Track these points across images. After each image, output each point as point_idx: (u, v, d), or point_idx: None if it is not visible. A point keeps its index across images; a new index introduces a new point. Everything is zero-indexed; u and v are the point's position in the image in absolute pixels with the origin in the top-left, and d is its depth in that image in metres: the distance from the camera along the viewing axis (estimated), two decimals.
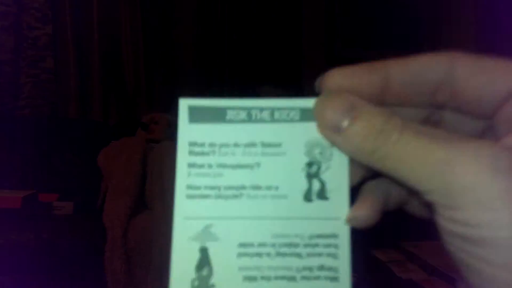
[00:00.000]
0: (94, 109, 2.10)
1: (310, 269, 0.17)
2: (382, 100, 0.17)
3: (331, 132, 0.16)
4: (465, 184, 0.14)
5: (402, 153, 0.15)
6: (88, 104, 2.09)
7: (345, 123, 0.16)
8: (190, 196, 0.17)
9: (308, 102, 0.17)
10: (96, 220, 1.43)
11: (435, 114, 0.18)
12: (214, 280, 0.17)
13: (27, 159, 1.78)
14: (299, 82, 2.42)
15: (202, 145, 0.17)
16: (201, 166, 0.17)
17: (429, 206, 0.16)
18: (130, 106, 2.16)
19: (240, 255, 0.17)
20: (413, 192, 0.16)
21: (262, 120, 0.17)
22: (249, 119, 0.17)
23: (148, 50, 2.18)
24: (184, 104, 0.17)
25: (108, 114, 2.13)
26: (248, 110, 0.17)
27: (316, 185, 0.17)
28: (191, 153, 0.17)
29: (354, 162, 0.17)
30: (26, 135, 1.81)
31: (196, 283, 0.17)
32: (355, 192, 0.18)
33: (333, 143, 0.17)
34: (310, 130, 0.17)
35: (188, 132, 0.17)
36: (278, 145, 0.17)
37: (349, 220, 0.17)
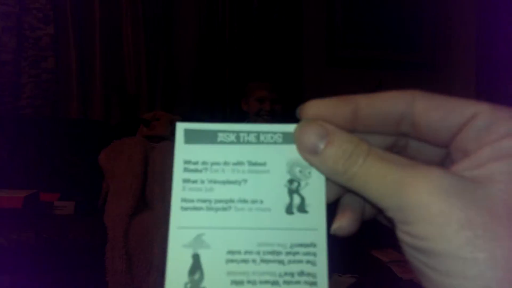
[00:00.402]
0: (95, 109, 2.10)
1: (291, 274, 0.18)
2: (354, 128, 0.20)
3: (309, 154, 0.19)
4: (414, 202, 0.16)
5: (366, 175, 0.17)
6: (89, 104, 2.10)
7: (321, 146, 0.18)
8: (184, 208, 0.19)
9: (290, 127, 0.20)
10: (97, 220, 1.43)
11: (401, 140, 0.21)
12: (205, 283, 0.18)
13: (29, 159, 1.79)
14: (300, 83, 2.42)
15: (196, 163, 0.19)
16: (195, 181, 0.19)
17: (390, 220, 0.18)
18: (131, 106, 2.16)
19: (228, 261, 0.18)
20: (378, 208, 0.18)
21: (249, 142, 0.20)
22: (238, 141, 0.20)
23: (150, 50, 2.19)
24: (181, 127, 0.20)
25: (109, 114, 2.13)
26: (237, 133, 0.20)
27: (296, 199, 0.19)
28: (186, 170, 0.19)
29: (330, 181, 0.20)
30: (27, 135, 1.82)
31: (188, 286, 0.18)
32: (333, 206, 0.21)
33: (311, 164, 0.19)
34: (291, 151, 0.20)
35: (183, 151, 0.20)
36: (263, 164, 0.19)
37: (335, 230, 0.20)
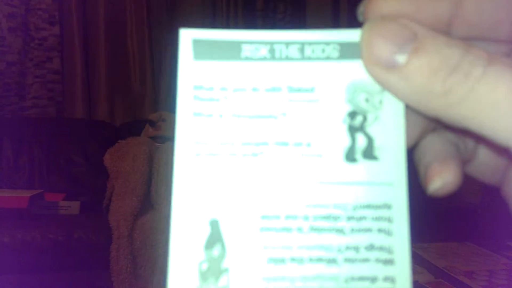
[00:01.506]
0: (100, 109, 2.10)
1: (355, 248, 0.13)
2: (452, 33, 0.13)
3: (384, 70, 0.12)
4: None
5: (490, 96, 0.11)
6: (94, 105, 2.10)
7: (404, 56, 0.12)
8: (197, 155, 0.14)
9: (351, 35, 0.13)
10: (102, 220, 1.44)
11: None
12: (228, 262, 0.13)
13: (34, 159, 1.79)
14: None
15: (211, 89, 0.13)
16: (210, 115, 0.14)
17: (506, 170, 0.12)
18: (136, 106, 2.17)
19: (262, 230, 0.13)
20: (492, 151, 0.12)
21: (289, 58, 0.13)
22: (272, 56, 0.13)
23: (155, 51, 2.19)
24: (187, 37, 0.13)
25: (114, 114, 2.14)
26: (271, 44, 0.13)
27: (361, 141, 0.13)
28: (197, 98, 0.14)
29: (411, 113, 0.13)
30: (32, 135, 1.82)
31: (205, 266, 0.13)
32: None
33: (385, 86, 0.13)
34: (353, 71, 0.13)
35: (192, 72, 0.13)
36: (310, 90, 0.13)
37: (437, 188, 0.14)
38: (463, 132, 0.12)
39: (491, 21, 0.12)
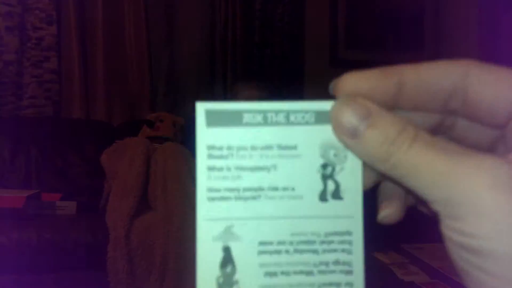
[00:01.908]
0: (98, 109, 2.10)
1: (326, 264, 0.18)
2: (395, 105, 0.18)
3: (347, 137, 0.17)
4: (466, 195, 0.14)
5: (412, 163, 0.16)
6: (91, 105, 2.10)
7: (361, 129, 0.16)
8: (211, 199, 0.18)
9: (324, 105, 0.18)
10: (99, 220, 1.43)
11: (448, 119, 0.19)
12: (237, 276, 0.18)
13: (31, 159, 1.79)
14: (302, 84, 2.42)
15: (221, 148, 0.18)
16: (220, 169, 0.18)
17: (434, 214, 0.16)
18: (134, 107, 2.17)
19: (260, 252, 0.18)
20: (421, 199, 0.17)
21: (278, 123, 0.18)
22: (265, 122, 0.18)
23: (152, 51, 2.19)
24: (201, 108, 0.18)
25: (112, 114, 2.13)
26: (264, 113, 0.18)
27: (331, 185, 0.18)
28: (210, 156, 0.18)
29: (367, 166, 0.18)
30: (29, 135, 1.82)
31: (221, 280, 0.18)
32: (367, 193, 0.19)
33: (348, 148, 0.18)
34: (325, 133, 0.18)
35: (206, 136, 0.18)
36: (294, 147, 0.18)
37: (382, 218, 0.19)
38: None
39: (425, 99, 0.18)
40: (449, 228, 0.15)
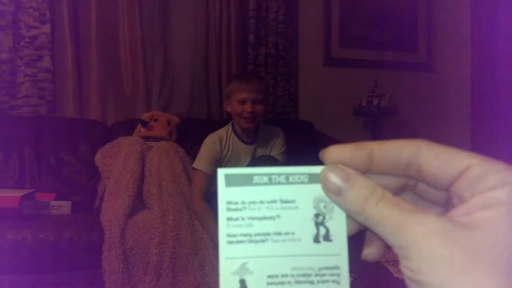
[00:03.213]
0: (92, 108, 2.10)
1: None
2: (368, 170, 0.23)
3: (333, 194, 0.22)
4: (411, 241, 0.20)
5: (378, 216, 0.21)
6: (85, 104, 2.09)
7: (343, 189, 0.22)
8: (229, 242, 0.23)
9: (315, 169, 0.23)
10: (94, 220, 1.43)
11: (411, 181, 0.25)
12: None
13: (25, 158, 1.78)
14: (296, 83, 2.43)
15: (236, 203, 0.23)
16: (236, 219, 0.23)
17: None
18: (128, 106, 2.16)
19: (269, 284, 0.23)
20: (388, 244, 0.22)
21: (280, 183, 0.23)
22: (270, 182, 0.23)
23: (146, 50, 2.18)
24: (221, 173, 0.23)
25: (106, 113, 2.13)
26: (269, 175, 0.23)
27: (322, 230, 0.23)
28: (228, 209, 0.23)
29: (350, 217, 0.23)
30: (23, 134, 1.81)
31: None
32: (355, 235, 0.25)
33: (334, 202, 0.23)
34: (316, 190, 0.23)
35: (225, 194, 0.23)
36: (293, 201, 0.23)
37: (365, 256, 0.25)
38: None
39: (389, 168, 0.23)
40: (403, 266, 0.20)
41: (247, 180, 0.23)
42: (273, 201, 0.23)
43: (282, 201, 0.23)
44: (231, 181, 0.23)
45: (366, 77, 2.45)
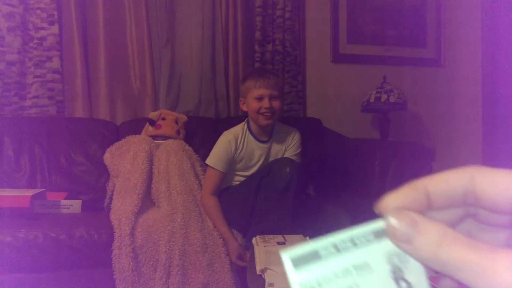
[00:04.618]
0: (100, 108, 2.11)
1: None
2: (428, 208, 0.23)
3: (403, 244, 0.21)
4: (497, 282, 0.19)
5: (455, 261, 0.20)
6: (94, 104, 2.11)
7: (413, 235, 0.21)
8: None
9: (378, 225, 0.22)
10: (104, 218, 1.44)
11: (471, 208, 0.24)
12: None
13: (35, 158, 1.80)
14: (304, 79, 2.42)
15: (310, 283, 0.22)
16: None
17: None
18: (137, 105, 2.17)
19: None
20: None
21: (347, 249, 0.22)
22: (338, 251, 0.22)
23: (154, 49, 2.19)
24: (287, 258, 0.22)
25: (114, 113, 2.14)
26: (335, 244, 0.22)
27: (403, 285, 0.22)
28: None
29: None
30: (33, 135, 1.83)
31: None
32: None
33: (406, 252, 0.22)
34: (385, 245, 0.22)
35: (296, 278, 0.22)
36: (366, 263, 0.22)
37: None
38: None
39: (447, 202, 0.23)
40: None
41: (314, 257, 0.22)
42: (347, 270, 0.22)
43: (356, 267, 0.22)
44: (298, 263, 0.22)
45: (374, 73, 2.43)
